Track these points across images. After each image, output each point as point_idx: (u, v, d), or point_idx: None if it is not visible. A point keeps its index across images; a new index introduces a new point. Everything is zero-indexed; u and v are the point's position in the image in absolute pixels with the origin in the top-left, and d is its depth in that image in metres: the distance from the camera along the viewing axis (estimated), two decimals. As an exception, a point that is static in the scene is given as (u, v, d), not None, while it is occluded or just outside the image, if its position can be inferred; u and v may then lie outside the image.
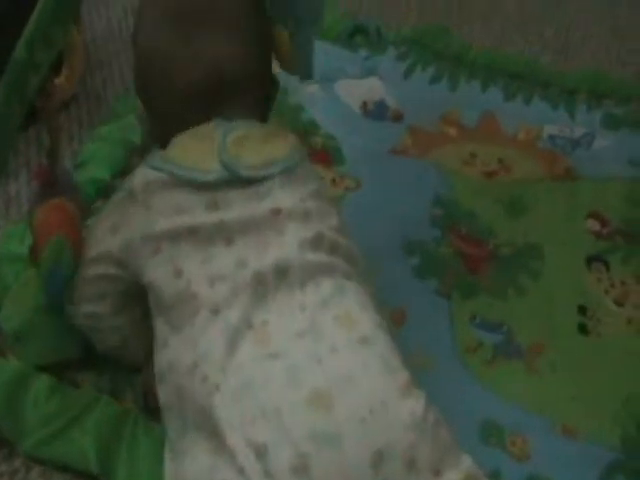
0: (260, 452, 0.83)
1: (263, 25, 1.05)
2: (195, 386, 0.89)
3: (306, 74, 1.12)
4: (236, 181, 0.96)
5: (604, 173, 1.49)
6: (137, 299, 1.03)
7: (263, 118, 1.06)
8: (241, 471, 0.83)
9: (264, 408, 0.85)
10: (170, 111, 1.03)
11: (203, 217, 0.95)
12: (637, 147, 1.55)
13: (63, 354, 1.11)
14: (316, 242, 0.96)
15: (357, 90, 1.63)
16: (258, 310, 0.91)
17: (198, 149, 0.99)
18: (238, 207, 0.96)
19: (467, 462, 0.88)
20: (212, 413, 0.87)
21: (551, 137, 1.56)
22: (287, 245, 0.95)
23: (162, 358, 0.95)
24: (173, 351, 0.93)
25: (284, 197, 0.97)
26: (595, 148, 1.55)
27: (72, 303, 1.05)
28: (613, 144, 1.56)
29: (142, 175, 0.99)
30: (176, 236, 0.95)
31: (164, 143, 1.01)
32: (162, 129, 1.03)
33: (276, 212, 0.96)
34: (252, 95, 1.04)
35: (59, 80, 1.03)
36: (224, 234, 0.94)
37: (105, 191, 1.35)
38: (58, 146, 1.07)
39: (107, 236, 1.01)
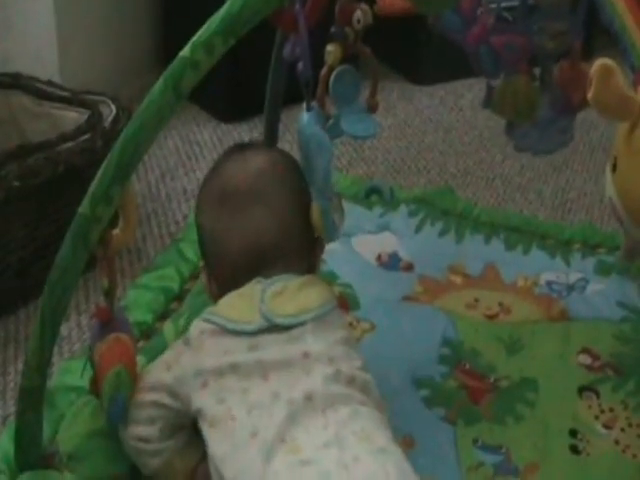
0: None
1: (301, 197, 1.24)
2: None
3: (327, 237, 1.26)
4: (273, 328, 1.14)
5: (596, 314, 1.63)
6: (181, 430, 1.18)
7: (306, 273, 1.23)
8: None
9: None
10: (223, 272, 1.24)
11: (244, 356, 1.12)
12: (625, 291, 1.69)
13: (112, 471, 1.22)
14: (336, 377, 1.11)
15: (372, 244, 1.79)
16: (289, 430, 1.05)
17: (241, 305, 1.18)
18: (274, 349, 1.13)
19: None
20: None
21: (548, 283, 1.70)
22: (313, 380, 1.10)
23: (213, 470, 1.09)
24: (219, 463, 1.07)
25: (314, 343, 1.14)
26: (588, 292, 1.69)
27: (123, 425, 1.17)
28: (604, 288, 1.70)
29: (197, 326, 1.18)
30: (221, 372, 1.11)
31: (219, 298, 1.21)
32: (219, 286, 1.24)
33: (306, 355, 1.12)
34: (292, 256, 1.23)
35: (116, 231, 1.18)
36: (261, 371, 1.11)
37: (147, 333, 1.50)
38: (115, 288, 1.22)
39: (163, 372, 1.17)
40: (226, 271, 1.24)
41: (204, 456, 1.13)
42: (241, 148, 1.33)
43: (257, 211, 1.23)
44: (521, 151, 1.39)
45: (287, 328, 1.14)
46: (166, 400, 1.16)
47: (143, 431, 1.17)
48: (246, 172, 1.26)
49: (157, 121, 1.07)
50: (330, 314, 1.19)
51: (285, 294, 1.17)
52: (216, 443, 1.09)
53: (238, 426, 1.07)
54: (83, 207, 1.09)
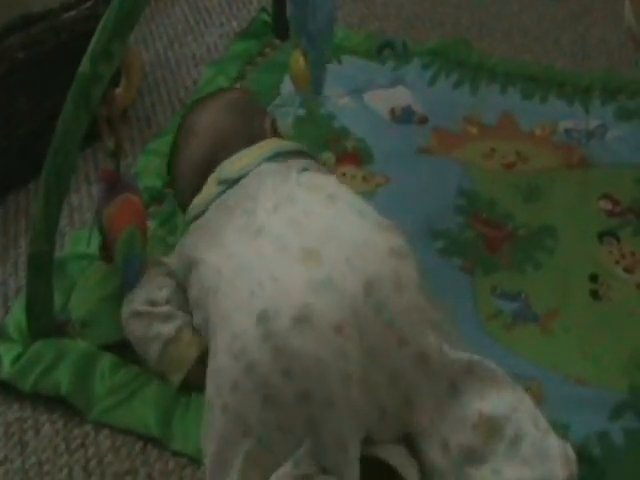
0: (261, 317, 0.94)
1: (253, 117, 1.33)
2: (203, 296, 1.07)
3: (317, 90, 1.23)
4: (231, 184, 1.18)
5: (616, 160, 1.58)
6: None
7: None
8: (236, 337, 0.96)
9: (260, 280, 0.97)
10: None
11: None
12: (646, 136, 1.63)
13: (124, 336, 1.20)
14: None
15: (385, 98, 1.73)
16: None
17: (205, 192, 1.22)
18: (237, 192, 1.17)
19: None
20: (216, 307, 1.02)
21: (567, 131, 1.65)
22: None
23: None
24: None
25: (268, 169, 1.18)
26: (608, 138, 1.64)
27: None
28: (625, 134, 1.64)
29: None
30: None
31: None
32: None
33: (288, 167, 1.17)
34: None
35: (118, 90, 1.16)
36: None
37: (158, 198, 1.48)
38: (121, 148, 1.20)
39: None
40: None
41: None
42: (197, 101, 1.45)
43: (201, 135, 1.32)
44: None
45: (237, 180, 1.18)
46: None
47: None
48: (196, 116, 1.37)
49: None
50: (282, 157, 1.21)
51: (235, 161, 1.22)
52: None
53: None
54: (83, 66, 1.08)
